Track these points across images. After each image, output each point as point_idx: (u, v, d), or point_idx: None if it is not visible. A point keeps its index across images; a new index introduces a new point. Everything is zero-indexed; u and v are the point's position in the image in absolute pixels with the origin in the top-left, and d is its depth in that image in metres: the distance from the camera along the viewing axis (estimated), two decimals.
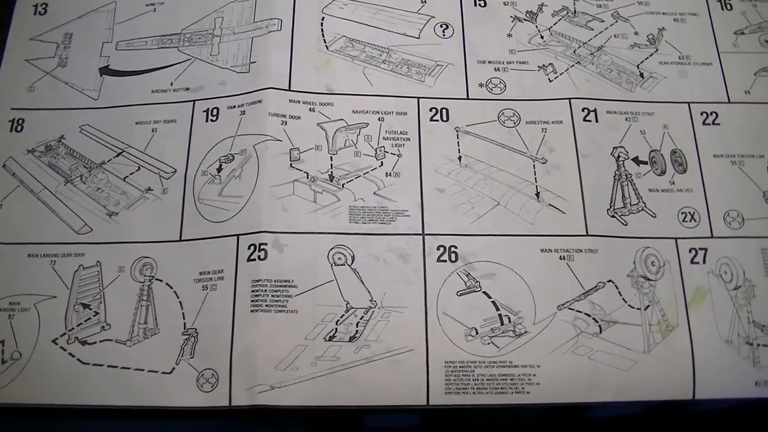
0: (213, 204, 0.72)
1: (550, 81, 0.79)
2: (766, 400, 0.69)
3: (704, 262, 0.73)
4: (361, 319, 0.68)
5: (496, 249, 0.71)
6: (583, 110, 0.78)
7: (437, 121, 0.76)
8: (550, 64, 0.80)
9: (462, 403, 0.67)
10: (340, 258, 0.70)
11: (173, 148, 0.75)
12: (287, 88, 0.76)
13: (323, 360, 0.67)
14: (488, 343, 0.68)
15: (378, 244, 0.71)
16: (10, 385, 0.67)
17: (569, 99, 0.78)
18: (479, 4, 0.83)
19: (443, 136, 0.76)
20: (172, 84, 0.78)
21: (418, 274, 0.70)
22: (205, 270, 0.70)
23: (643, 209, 0.74)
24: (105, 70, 0.80)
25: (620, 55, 0.81)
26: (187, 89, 0.78)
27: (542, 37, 0.82)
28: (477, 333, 0.68)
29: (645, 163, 0.76)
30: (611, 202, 0.74)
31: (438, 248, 0.71)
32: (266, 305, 0.67)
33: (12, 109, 0.78)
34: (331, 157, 0.74)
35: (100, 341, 0.68)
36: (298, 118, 0.75)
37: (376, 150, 0.75)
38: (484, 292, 0.70)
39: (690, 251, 0.73)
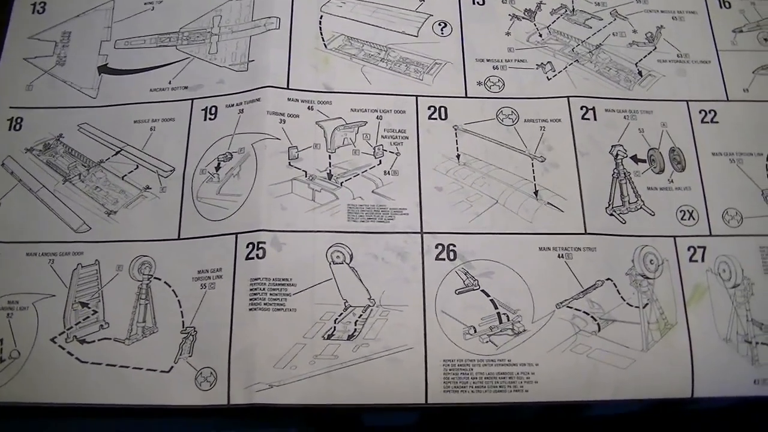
0: (211, 202, 0.72)
1: (549, 79, 0.79)
2: (765, 398, 0.69)
3: (703, 260, 0.73)
4: (359, 317, 0.68)
5: (495, 247, 0.71)
6: (581, 108, 0.78)
7: (436, 119, 0.76)
8: (548, 62, 0.80)
9: (460, 402, 0.67)
10: (338, 256, 0.70)
11: (172, 146, 0.75)
12: (285, 87, 0.76)
13: (322, 358, 0.67)
14: (487, 342, 0.68)
15: (376, 243, 0.71)
16: (9, 383, 0.67)
17: (568, 97, 0.78)
18: (478, 3, 0.83)
19: (442, 134, 0.76)
20: (170, 82, 0.78)
21: (416, 272, 0.70)
22: (204, 268, 0.70)
23: (641, 207, 0.74)
24: (103, 69, 0.80)
25: (619, 53, 0.81)
26: (186, 88, 0.78)
27: (541, 36, 0.82)
28: (475, 331, 0.69)
29: (643, 161, 0.76)
30: (610, 201, 0.74)
31: (436, 246, 0.71)
32: (265, 304, 0.67)
33: (10, 107, 0.78)
34: (330, 156, 0.74)
35: (99, 340, 0.68)
36: (297, 116, 0.75)
37: (374, 148, 0.75)
38: (482, 291, 0.70)
39: (688, 249, 0.73)
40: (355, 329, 0.68)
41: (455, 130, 0.76)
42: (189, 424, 0.69)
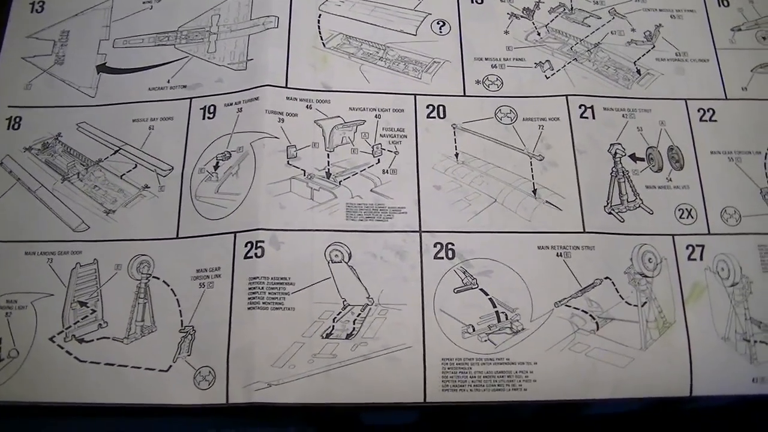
0: (210, 201, 0.72)
1: (547, 78, 0.79)
2: (763, 396, 0.69)
3: (701, 258, 0.73)
4: (358, 316, 0.68)
5: (493, 246, 0.71)
6: (580, 107, 0.78)
7: (434, 118, 0.76)
8: (547, 60, 0.80)
9: (459, 401, 0.67)
10: (337, 255, 0.70)
11: (170, 145, 0.75)
12: (284, 86, 0.76)
13: (320, 357, 0.67)
14: (485, 340, 0.68)
15: (375, 242, 0.71)
16: (8, 383, 0.67)
17: (566, 96, 0.78)
18: (476, 1, 0.83)
19: (440, 133, 0.76)
20: (168, 81, 0.78)
21: (415, 271, 0.70)
22: (202, 267, 0.70)
23: (640, 206, 0.74)
24: (102, 68, 0.80)
25: (617, 51, 0.81)
26: (184, 87, 0.78)
27: (539, 34, 0.82)
28: (474, 330, 0.69)
29: (642, 159, 0.76)
30: (608, 199, 0.74)
31: (435, 245, 0.71)
32: (263, 303, 0.67)
33: (9, 107, 0.78)
34: (328, 155, 0.74)
35: (98, 339, 0.68)
36: (295, 115, 0.75)
37: (373, 147, 0.75)
38: (481, 289, 0.70)
39: (687, 248, 0.73)
40: (354, 328, 0.68)
41: (454, 128, 0.76)
42: (188, 424, 0.69)
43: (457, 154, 0.75)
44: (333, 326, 0.68)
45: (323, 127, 0.75)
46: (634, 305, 0.71)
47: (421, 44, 0.80)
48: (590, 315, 0.70)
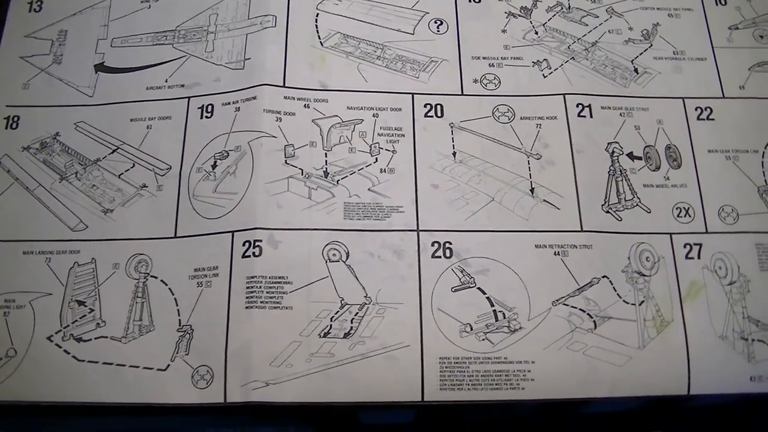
0: (208, 201, 0.72)
1: (545, 77, 0.79)
2: (761, 395, 0.69)
3: (699, 257, 0.73)
4: (355, 315, 0.68)
5: (491, 245, 0.71)
6: (577, 106, 0.78)
7: (432, 117, 0.76)
8: (544, 59, 0.80)
9: (457, 399, 0.67)
10: (334, 254, 0.70)
11: (168, 144, 0.75)
12: (282, 85, 0.76)
13: (318, 356, 0.67)
14: (483, 339, 0.68)
15: (373, 241, 0.71)
16: (6, 382, 0.67)
17: (564, 95, 0.78)
18: (474, 0, 0.83)
19: (438, 132, 0.76)
20: (166, 81, 0.78)
21: (412, 270, 0.70)
22: (200, 267, 0.70)
23: (637, 205, 0.74)
24: (100, 67, 0.80)
25: (614, 50, 0.81)
26: (182, 86, 0.78)
27: (536, 33, 0.82)
28: (471, 329, 0.69)
29: (639, 158, 0.76)
30: (606, 198, 0.74)
31: (432, 244, 0.71)
32: (261, 302, 0.67)
33: (7, 106, 0.78)
34: (326, 154, 0.74)
35: (96, 338, 0.68)
36: (293, 114, 0.75)
37: (370, 146, 0.75)
38: (478, 288, 0.70)
39: (685, 246, 0.73)
40: (352, 327, 0.68)
41: (451, 127, 0.76)
42: (185, 423, 0.70)
43: (454, 153, 0.75)
44: (331, 325, 0.68)
45: (321, 126, 0.75)
46: (632, 304, 0.71)
47: (418, 43, 0.80)
48: (588, 314, 0.70)
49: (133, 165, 0.75)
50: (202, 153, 0.74)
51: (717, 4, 0.84)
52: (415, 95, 0.77)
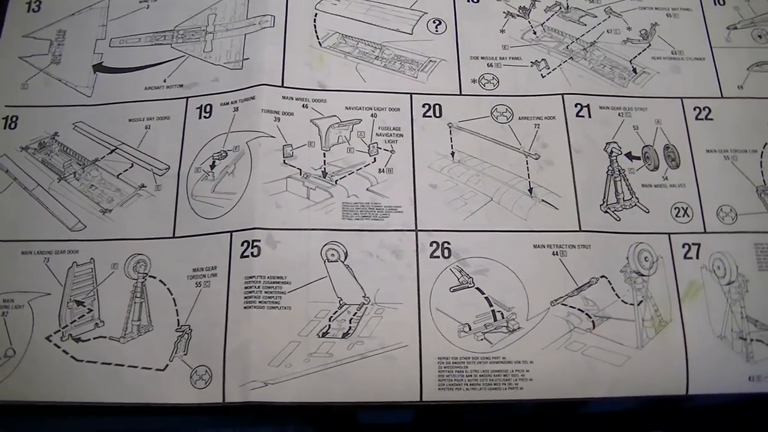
0: (206, 201, 0.72)
1: (543, 77, 0.79)
2: (760, 395, 0.69)
3: (697, 257, 0.73)
4: (354, 315, 0.68)
5: (489, 245, 0.71)
6: (576, 106, 0.78)
7: (430, 117, 0.76)
8: (542, 59, 0.80)
9: (455, 399, 0.67)
10: (333, 254, 0.70)
11: (166, 144, 0.75)
12: (280, 85, 0.76)
13: (316, 356, 0.67)
14: (481, 339, 0.68)
15: (371, 241, 0.71)
16: (4, 382, 0.67)
17: (562, 95, 0.78)
18: (472, 0, 0.83)
19: (436, 132, 0.76)
20: (165, 81, 0.78)
21: (411, 270, 0.70)
22: (199, 267, 0.70)
23: (636, 204, 0.74)
24: (98, 67, 0.80)
25: (613, 50, 0.81)
26: (181, 86, 0.78)
27: (535, 33, 0.82)
28: (470, 329, 0.69)
29: (638, 158, 0.76)
30: (604, 198, 0.74)
31: (431, 244, 0.71)
32: (259, 302, 0.67)
33: (6, 106, 0.78)
34: (324, 154, 0.74)
35: (94, 338, 0.68)
36: (291, 114, 0.75)
37: (369, 146, 0.75)
38: (477, 288, 0.70)
39: (683, 246, 0.73)
40: (350, 327, 0.68)
41: (450, 127, 0.76)
42: (184, 423, 0.69)
43: (453, 153, 0.75)
44: (329, 325, 0.68)
45: (319, 126, 0.75)
46: (631, 304, 0.71)
47: (417, 43, 0.80)
48: (586, 314, 0.70)
49: (132, 165, 0.75)
50: (201, 153, 0.74)
51: (715, 4, 0.85)
52: (413, 95, 0.77)
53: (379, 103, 0.77)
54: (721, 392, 0.69)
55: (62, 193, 0.74)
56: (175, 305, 0.69)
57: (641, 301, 0.71)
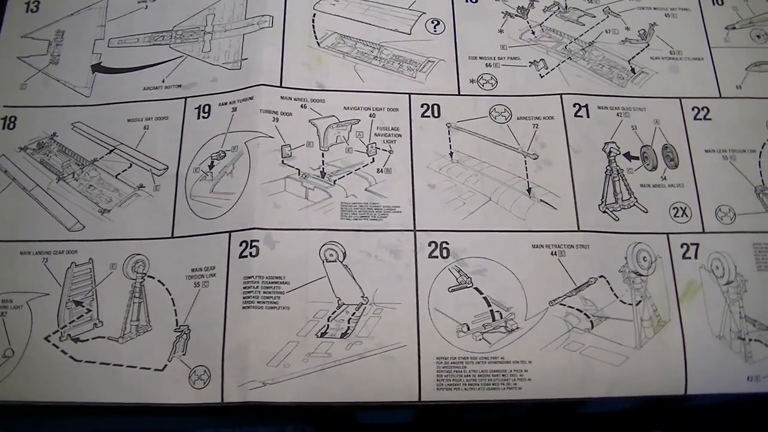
0: (205, 201, 0.72)
1: (542, 77, 0.79)
2: (759, 395, 0.69)
3: (696, 257, 0.73)
4: (352, 315, 0.68)
5: (488, 245, 0.71)
6: (574, 106, 0.78)
7: (428, 117, 0.77)
8: (541, 59, 0.80)
9: (454, 399, 0.67)
10: (331, 254, 0.70)
11: (165, 145, 0.75)
12: (279, 85, 0.76)
13: (315, 356, 0.67)
14: (480, 339, 0.68)
15: (369, 241, 0.71)
16: (3, 382, 0.67)
17: (560, 95, 0.78)
18: (470, 0, 0.83)
19: (434, 132, 0.76)
20: (163, 81, 0.78)
21: (409, 270, 0.70)
22: (197, 267, 0.70)
23: (634, 204, 0.74)
24: (97, 68, 0.80)
25: (611, 50, 0.82)
26: (179, 86, 0.78)
27: (533, 33, 0.82)
28: (469, 329, 0.69)
29: (636, 158, 0.76)
30: (603, 198, 0.74)
31: (429, 244, 0.71)
32: (258, 302, 0.67)
33: (4, 106, 0.78)
34: (323, 154, 0.74)
35: (93, 338, 0.68)
36: (290, 114, 0.75)
37: (367, 146, 0.75)
38: (475, 288, 0.70)
39: (682, 246, 0.73)
40: (349, 327, 0.68)
41: (448, 127, 0.76)
42: (183, 423, 0.70)
43: (451, 153, 0.75)
44: (328, 325, 0.68)
45: (318, 126, 0.75)
46: (629, 304, 0.71)
47: (415, 43, 0.80)
48: (585, 314, 0.70)
49: (130, 165, 0.75)
50: (199, 153, 0.74)
51: (714, 4, 0.85)
52: (411, 95, 0.77)
53: (377, 103, 0.77)
54: (720, 392, 0.69)
55: (61, 193, 0.74)
56: (174, 305, 0.69)
57: (640, 301, 0.71)
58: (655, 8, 0.84)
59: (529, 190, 0.74)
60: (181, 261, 0.70)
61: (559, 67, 0.80)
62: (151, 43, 0.80)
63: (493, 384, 0.67)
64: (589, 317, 0.70)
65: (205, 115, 0.76)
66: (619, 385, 0.68)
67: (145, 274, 0.70)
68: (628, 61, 0.81)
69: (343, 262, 0.70)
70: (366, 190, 0.73)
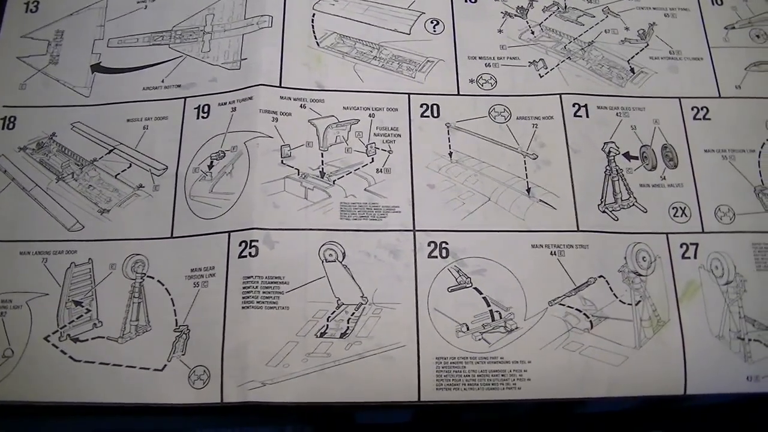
0: (204, 201, 0.72)
1: (541, 76, 0.79)
2: (758, 395, 0.69)
3: (695, 257, 0.73)
4: (352, 315, 0.68)
5: (487, 245, 0.71)
6: (573, 105, 0.78)
7: (428, 117, 0.76)
8: (540, 59, 0.80)
9: (453, 399, 0.67)
10: (331, 254, 0.70)
11: (164, 145, 0.75)
12: (278, 85, 0.76)
13: (314, 356, 0.67)
14: (479, 339, 0.68)
15: (369, 241, 0.71)
16: (3, 382, 0.67)
17: (560, 94, 0.78)
18: (470, 0, 0.83)
19: (434, 132, 0.76)
20: (163, 81, 0.78)
21: (409, 270, 0.70)
22: (197, 267, 0.70)
23: (634, 204, 0.74)
24: (96, 68, 0.80)
25: (611, 50, 0.81)
26: (179, 86, 0.78)
27: (533, 33, 0.82)
28: (468, 329, 0.69)
29: (636, 158, 0.76)
30: (602, 198, 0.74)
31: (429, 244, 0.71)
32: (257, 302, 0.67)
33: (4, 106, 0.78)
34: (322, 154, 0.74)
35: (92, 338, 0.68)
36: (289, 114, 0.75)
37: (366, 146, 0.75)
38: (474, 288, 0.70)
39: (681, 246, 0.73)
40: (348, 327, 0.68)
41: (447, 127, 0.76)
42: (182, 423, 0.70)
43: (450, 153, 0.75)
44: (327, 325, 0.68)
45: (317, 126, 0.75)
46: (628, 304, 0.71)
47: (414, 43, 0.80)
48: (584, 313, 0.70)
49: (130, 165, 0.75)
50: (199, 153, 0.74)
51: (713, 4, 0.84)
52: (411, 95, 0.77)
53: (376, 103, 0.77)
54: (719, 392, 0.69)
55: (60, 193, 0.74)
56: (173, 305, 0.69)
57: (639, 301, 0.71)
58: (654, 8, 0.84)
59: (528, 190, 0.74)
60: (180, 261, 0.70)
61: (559, 67, 0.80)
62: (150, 43, 0.80)
63: (492, 384, 0.67)
64: (588, 317, 0.70)
65: (205, 115, 0.76)
66: (619, 385, 0.68)
67: (145, 274, 0.70)
68: (628, 61, 0.81)
69: (343, 262, 0.70)
70: (365, 190, 0.73)
